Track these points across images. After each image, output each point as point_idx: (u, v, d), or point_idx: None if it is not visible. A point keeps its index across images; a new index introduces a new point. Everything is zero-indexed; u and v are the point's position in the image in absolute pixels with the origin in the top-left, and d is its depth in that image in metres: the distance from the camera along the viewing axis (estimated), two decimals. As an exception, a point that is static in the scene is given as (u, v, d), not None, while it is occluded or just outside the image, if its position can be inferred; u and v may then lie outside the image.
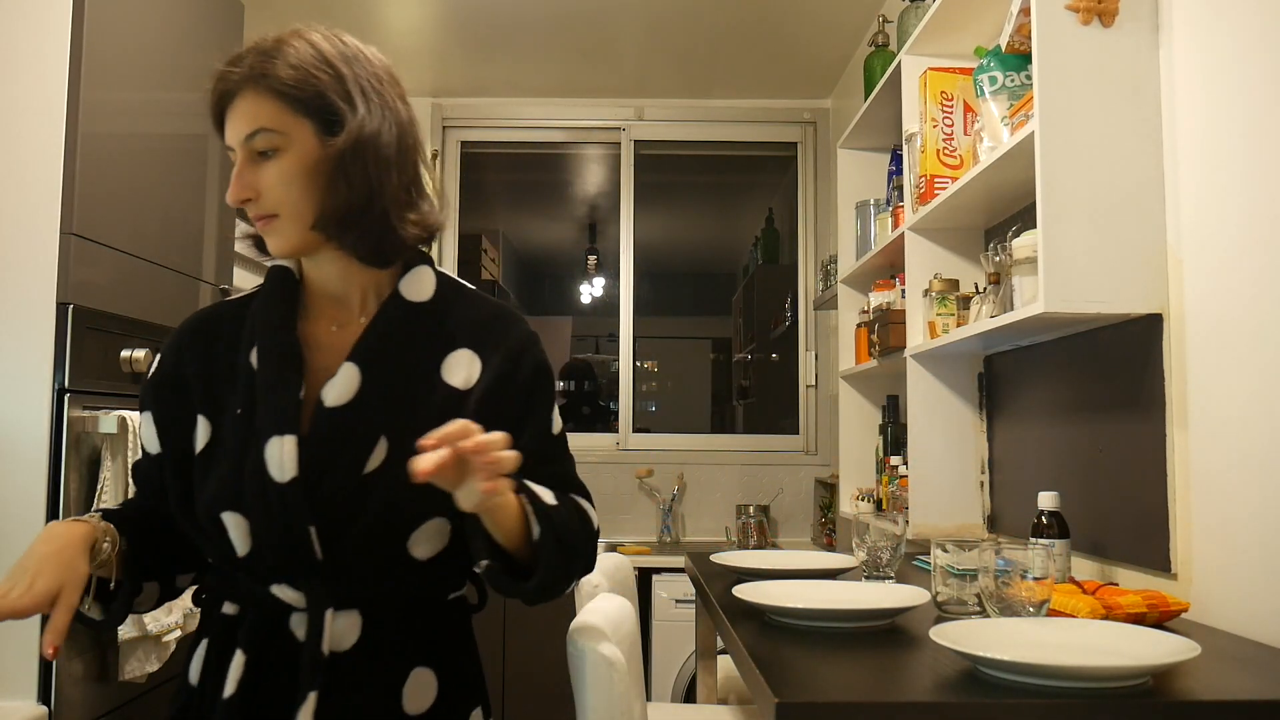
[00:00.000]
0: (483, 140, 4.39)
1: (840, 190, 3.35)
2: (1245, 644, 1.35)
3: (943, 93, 2.33)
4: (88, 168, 1.67)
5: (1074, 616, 1.36)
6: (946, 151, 2.32)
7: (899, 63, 2.53)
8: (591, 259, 6.25)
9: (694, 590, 2.19)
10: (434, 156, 4.24)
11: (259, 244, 1.15)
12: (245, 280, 2.95)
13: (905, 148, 2.50)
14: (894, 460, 2.83)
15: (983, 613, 1.37)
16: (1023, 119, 1.85)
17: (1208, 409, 1.55)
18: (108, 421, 1.66)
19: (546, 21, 3.52)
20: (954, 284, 2.35)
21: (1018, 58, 1.94)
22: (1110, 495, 1.82)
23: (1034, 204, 1.69)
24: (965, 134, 2.31)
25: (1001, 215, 2.31)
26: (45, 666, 1.59)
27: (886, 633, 1.37)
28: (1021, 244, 1.83)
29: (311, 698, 1.04)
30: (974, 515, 2.44)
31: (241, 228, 1.20)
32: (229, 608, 1.11)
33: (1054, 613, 1.37)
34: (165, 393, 1.16)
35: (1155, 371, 1.67)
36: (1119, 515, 1.79)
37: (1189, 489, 1.59)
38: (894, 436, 2.95)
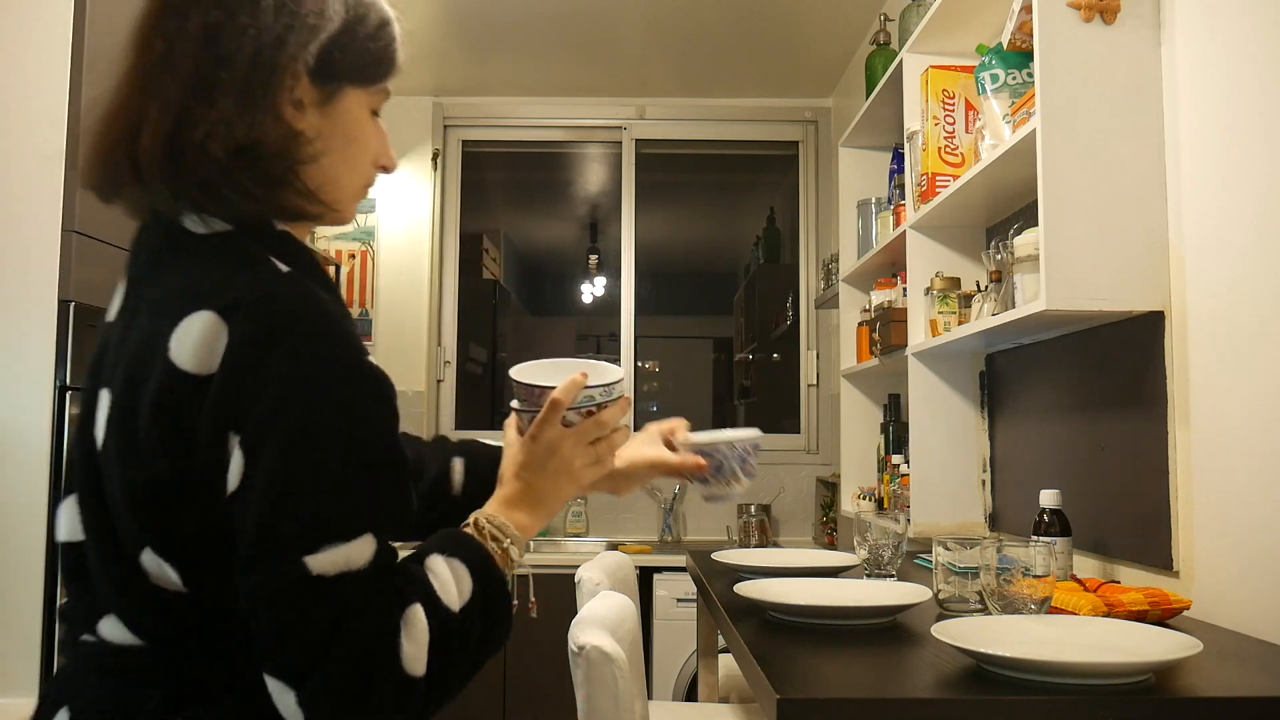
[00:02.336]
0: (484, 139, 4.39)
1: (841, 189, 3.35)
2: (1247, 641, 1.35)
3: (944, 91, 2.33)
4: (89, 165, 1.67)
5: (1076, 614, 1.35)
6: (948, 149, 2.32)
7: (900, 61, 2.53)
8: (593, 258, 6.25)
9: (695, 589, 2.19)
10: (435, 156, 4.25)
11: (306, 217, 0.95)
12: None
13: (907, 146, 2.50)
14: (895, 459, 2.82)
15: (984, 610, 1.37)
16: (1024, 116, 1.85)
17: (1209, 406, 1.55)
18: (109, 419, 1.67)
19: (547, 20, 3.52)
20: (955, 282, 2.35)
21: (1019, 55, 1.94)
22: (1112, 493, 1.82)
23: (1035, 201, 1.68)
24: (967, 132, 2.31)
25: (1003, 213, 2.31)
26: (47, 664, 1.59)
27: (888, 630, 1.37)
28: (1023, 242, 1.83)
29: None
30: (975, 513, 2.44)
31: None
32: None
33: (1056, 610, 1.36)
34: None
35: (1157, 369, 1.67)
36: (1121, 513, 1.79)
37: (1191, 486, 1.59)
38: (895, 435, 2.95)
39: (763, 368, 5.05)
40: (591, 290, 6.44)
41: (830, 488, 3.82)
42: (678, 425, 1.31)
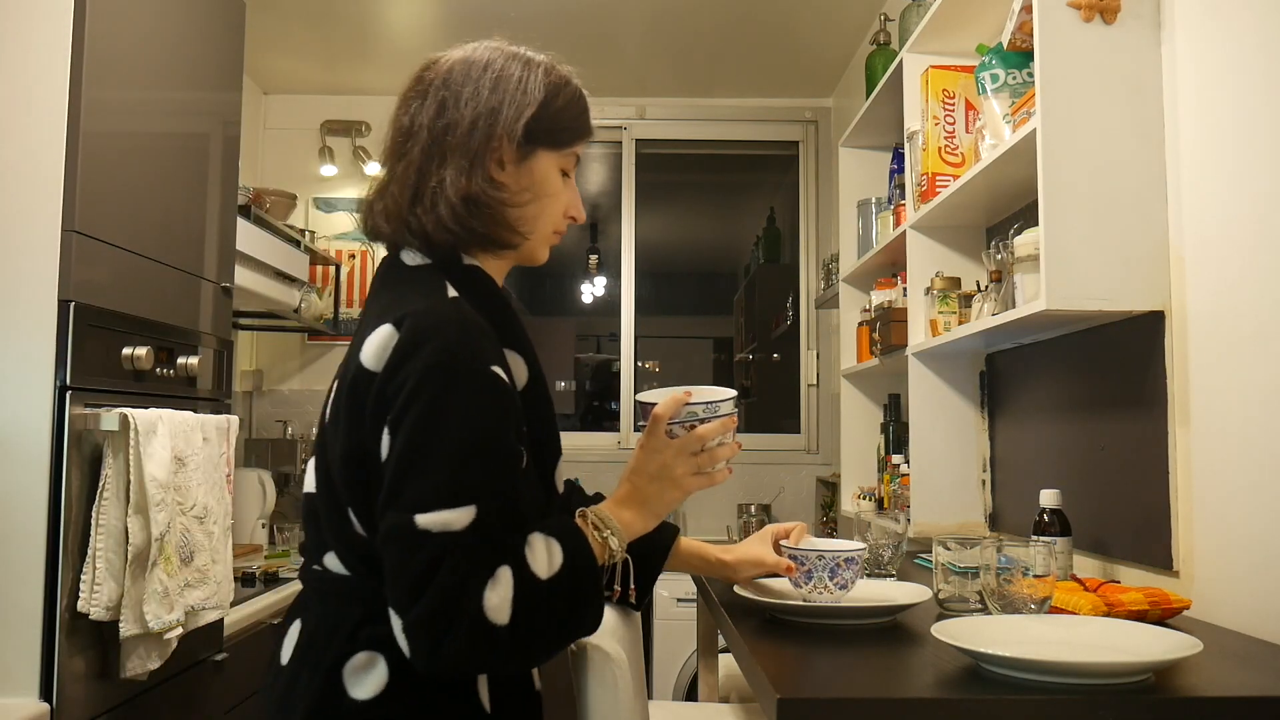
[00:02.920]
0: (484, 139, 4.38)
1: (842, 189, 3.35)
2: (1247, 641, 1.35)
3: (944, 90, 2.33)
4: (89, 165, 1.67)
5: (1076, 614, 1.35)
6: (948, 149, 2.32)
7: (900, 61, 2.53)
8: (593, 258, 6.24)
9: (695, 588, 2.19)
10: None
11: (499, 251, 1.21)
12: (247, 278, 2.94)
13: (907, 146, 2.50)
14: (895, 459, 2.82)
15: (984, 610, 1.37)
16: (1024, 116, 1.85)
17: (1209, 406, 1.54)
18: (109, 419, 1.66)
19: (547, 19, 3.52)
20: (955, 282, 2.35)
21: (1020, 55, 1.94)
22: (1112, 493, 1.82)
23: (1036, 201, 1.68)
24: (967, 132, 2.31)
25: (1003, 213, 2.31)
26: (47, 664, 1.59)
27: (888, 630, 1.37)
28: (1023, 241, 1.83)
29: None
30: (975, 513, 2.44)
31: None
32: None
33: (1056, 610, 1.36)
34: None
35: (1157, 369, 1.67)
36: (1121, 513, 1.79)
37: (1191, 486, 1.59)
38: (895, 435, 2.95)
39: (763, 368, 5.05)
40: (591, 290, 6.43)
41: (830, 487, 3.82)
42: (795, 529, 1.51)
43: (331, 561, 1.10)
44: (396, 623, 0.97)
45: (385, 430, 1.01)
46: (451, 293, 1.11)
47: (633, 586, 1.16)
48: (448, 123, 1.14)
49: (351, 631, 1.06)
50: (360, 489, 1.05)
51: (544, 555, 1.02)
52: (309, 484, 1.16)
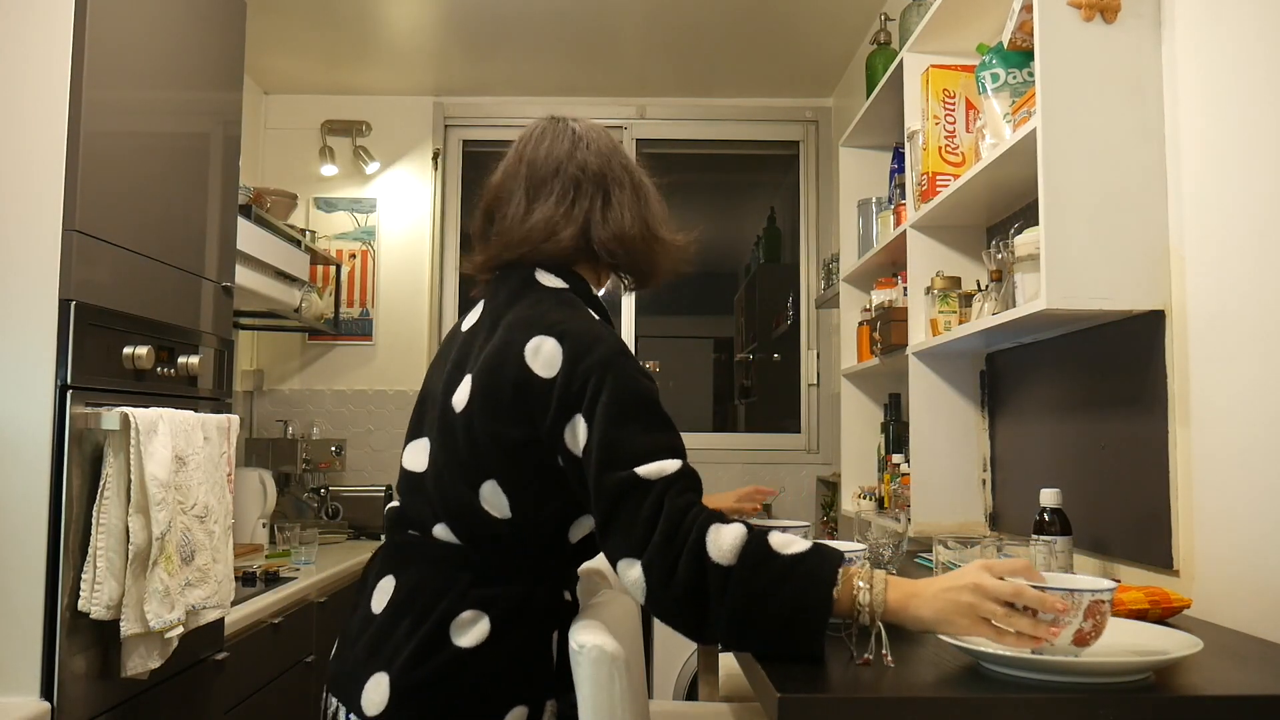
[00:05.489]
0: (484, 139, 4.38)
1: (842, 188, 3.35)
2: (1247, 640, 1.35)
3: (945, 90, 2.33)
4: (90, 164, 1.67)
5: (1076, 613, 1.35)
6: (948, 149, 2.32)
7: (901, 60, 2.53)
8: (593, 258, 6.22)
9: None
10: (435, 156, 4.25)
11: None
12: (248, 278, 2.94)
13: (907, 145, 2.50)
14: (896, 458, 2.83)
15: (985, 609, 1.37)
16: (1025, 116, 1.85)
17: (1210, 405, 1.55)
18: (110, 419, 1.66)
19: (548, 19, 3.52)
20: (956, 281, 2.35)
21: (1020, 54, 1.94)
22: (1112, 492, 1.82)
23: (1036, 201, 1.69)
24: (967, 131, 2.31)
25: (1004, 212, 2.31)
26: (48, 663, 1.59)
27: (888, 629, 1.37)
28: (1024, 241, 1.83)
29: None
30: (976, 513, 2.44)
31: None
32: (568, 595, 1.37)
33: (1056, 609, 1.36)
34: None
35: (1157, 368, 1.67)
36: (1121, 512, 1.79)
37: (1191, 485, 1.59)
38: (896, 434, 2.95)
39: (763, 368, 5.05)
40: (592, 290, 6.42)
41: (831, 487, 3.82)
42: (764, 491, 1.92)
43: (441, 531, 1.30)
44: (633, 569, 1.14)
45: (580, 423, 1.21)
46: (595, 315, 1.33)
47: (886, 652, 1.14)
48: (613, 174, 1.40)
49: (463, 592, 1.26)
50: (517, 471, 1.26)
51: (786, 541, 1.14)
52: (413, 465, 1.35)
